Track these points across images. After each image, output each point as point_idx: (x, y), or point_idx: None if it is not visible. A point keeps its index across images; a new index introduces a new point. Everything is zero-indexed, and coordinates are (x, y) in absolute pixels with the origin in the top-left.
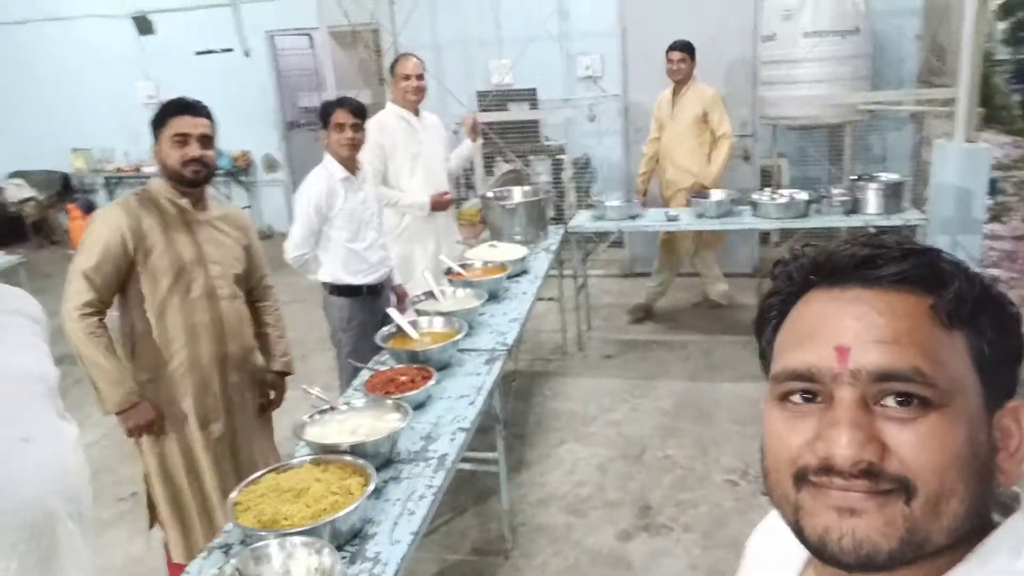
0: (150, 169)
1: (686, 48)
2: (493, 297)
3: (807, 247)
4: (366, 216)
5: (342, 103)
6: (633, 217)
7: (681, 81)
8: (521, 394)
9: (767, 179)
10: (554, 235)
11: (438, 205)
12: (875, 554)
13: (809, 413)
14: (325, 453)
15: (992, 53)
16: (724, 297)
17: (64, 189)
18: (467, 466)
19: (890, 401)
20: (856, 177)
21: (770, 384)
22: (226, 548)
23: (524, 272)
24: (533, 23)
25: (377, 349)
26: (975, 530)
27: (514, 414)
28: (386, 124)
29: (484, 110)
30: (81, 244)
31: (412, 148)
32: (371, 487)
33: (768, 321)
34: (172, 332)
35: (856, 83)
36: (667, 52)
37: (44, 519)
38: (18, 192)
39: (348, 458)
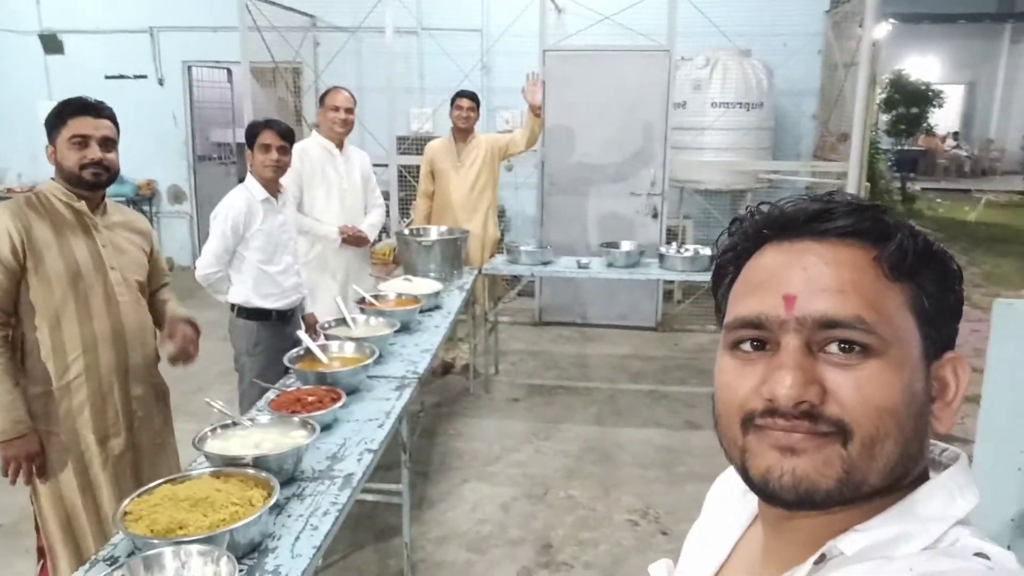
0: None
1: (475, 98)
2: (405, 328)
3: (762, 204)
4: (283, 239)
5: (269, 124)
6: (546, 263)
7: (468, 130)
8: (426, 432)
9: (672, 238)
10: (468, 275)
11: (351, 240)
12: (813, 492)
13: (757, 360)
14: (226, 466)
15: (877, 141)
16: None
17: None
18: (370, 497)
19: (833, 348)
20: None
21: (723, 333)
22: (112, 560)
23: (437, 307)
24: (456, 75)
25: (282, 376)
26: (913, 478)
27: (418, 452)
28: (307, 152)
29: (403, 153)
30: None
31: (330, 179)
32: (274, 498)
33: (724, 276)
34: (67, 342)
35: (758, 153)
36: (455, 100)
37: None
38: None
39: (251, 471)
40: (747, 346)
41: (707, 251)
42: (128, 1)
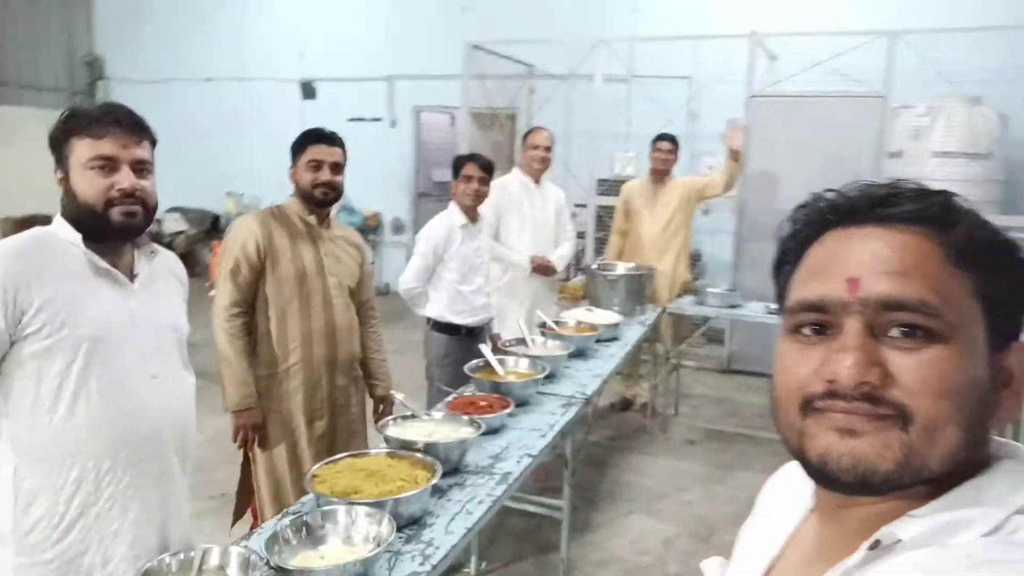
0: None
1: (675, 141)
2: (580, 354)
3: (826, 191)
4: (477, 262)
5: (473, 158)
6: (733, 306)
7: (666, 172)
8: (597, 462)
9: None
10: (651, 312)
11: (540, 269)
12: (871, 474)
13: (818, 344)
14: (401, 448)
15: None
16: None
17: (213, 227)
18: (532, 508)
19: (896, 332)
20: None
21: (784, 317)
22: (300, 514)
23: (615, 339)
24: (662, 121)
25: (464, 387)
26: (974, 466)
27: (587, 480)
28: (507, 185)
29: (603, 194)
30: (222, 250)
31: (525, 211)
32: (435, 479)
33: (786, 263)
34: (291, 333)
35: (986, 208)
36: (655, 142)
37: (160, 447)
38: (174, 225)
39: (420, 455)
40: (808, 330)
41: None
42: (372, 53)
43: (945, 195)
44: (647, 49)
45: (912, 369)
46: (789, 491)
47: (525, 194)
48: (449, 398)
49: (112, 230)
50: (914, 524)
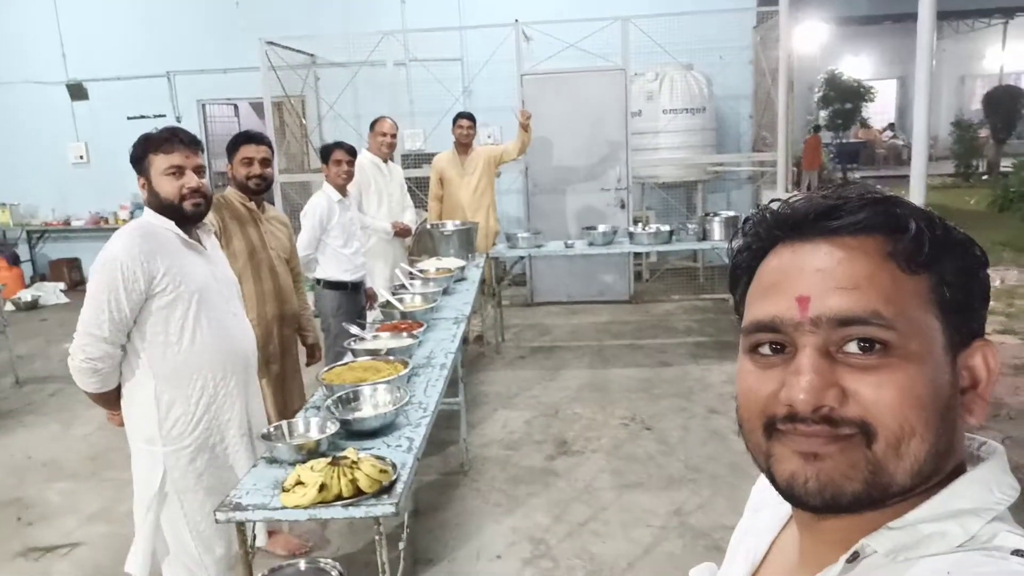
0: (79, 222)
1: (472, 118)
2: (445, 292)
3: (773, 201)
4: (353, 229)
5: (340, 145)
6: (539, 246)
7: (468, 144)
8: (455, 382)
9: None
10: (480, 257)
11: (401, 232)
12: (839, 496)
13: (776, 364)
14: (372, 356)
15: (822, 139)
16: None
17: None
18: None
19: (852, 347)
20: (705, 214)
21: (742, 337)
22: (316, 407)
23: (464, 279)
24: (440, 100)
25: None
26: (947, 474)
27: (453, 393)
28: (363, 166)
29: (406, 168)
30: None
31: (380, 186)
32: (410, 367)
33: (739, 278)
34: (247, 296)
35: (705, 150)
36: (457, 120)
37: (245, 359)
38: None
39: (391, 357)
40: (766, 349)
41: (667, 227)
42: (147, 50)
43: (889, 202)
44: (422, 37)
45: (870, 385)
46: (773, 492)
47: (378, 173)
48: (366, 331)
49: (186, 216)
50: (891, 536)
